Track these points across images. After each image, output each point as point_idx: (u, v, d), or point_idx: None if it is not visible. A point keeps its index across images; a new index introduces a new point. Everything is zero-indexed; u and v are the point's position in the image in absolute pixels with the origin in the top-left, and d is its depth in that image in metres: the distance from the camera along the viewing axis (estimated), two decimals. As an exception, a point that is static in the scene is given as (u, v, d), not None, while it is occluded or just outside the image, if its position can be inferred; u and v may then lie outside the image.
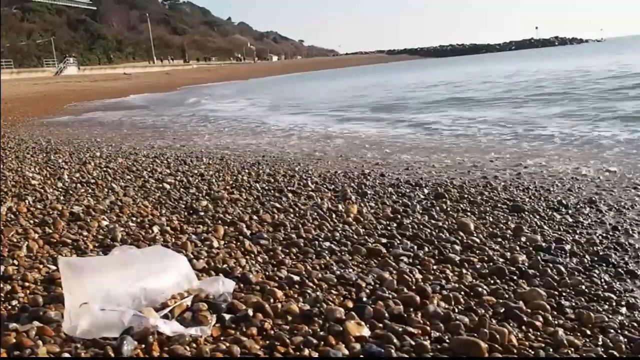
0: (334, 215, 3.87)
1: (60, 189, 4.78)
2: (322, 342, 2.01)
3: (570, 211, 3.89)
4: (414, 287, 2.53)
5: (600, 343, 2.04)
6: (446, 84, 23.67)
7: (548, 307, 2.32)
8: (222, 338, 2.05)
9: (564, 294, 2.49)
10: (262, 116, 15.08)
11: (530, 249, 3.10)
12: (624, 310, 2.31)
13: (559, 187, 4.69)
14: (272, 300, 2.36)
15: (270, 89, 33.21)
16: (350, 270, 2.80)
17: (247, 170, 5.78)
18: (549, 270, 2.73)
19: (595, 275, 2.69)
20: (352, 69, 63.22)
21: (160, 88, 28.77)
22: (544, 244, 3.15)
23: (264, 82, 42.83)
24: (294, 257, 3.03)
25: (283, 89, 33.30)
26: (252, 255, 3.03)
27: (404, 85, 25.44)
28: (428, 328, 2.13)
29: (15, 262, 2.78)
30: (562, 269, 2.76)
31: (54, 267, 2.69)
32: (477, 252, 3.07)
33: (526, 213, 3.86)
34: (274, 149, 7.83)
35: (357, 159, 6.75)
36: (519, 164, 5.99)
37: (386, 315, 2.23)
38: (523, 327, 2.17)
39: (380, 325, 2.16)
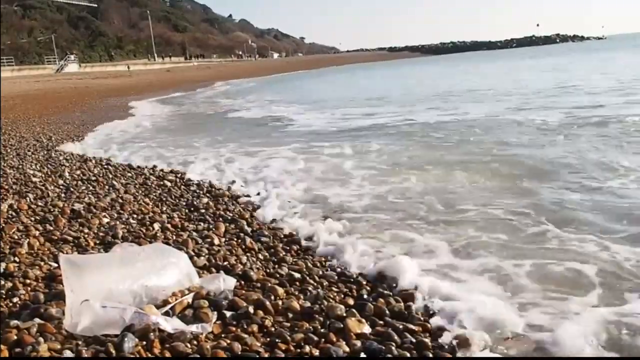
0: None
1: (61, 187, 4.78)
2: (323, 339, 2.02)
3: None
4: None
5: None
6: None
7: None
8: (223, 335, 2.05)
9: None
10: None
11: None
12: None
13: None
14: (272, 298, 2.37)
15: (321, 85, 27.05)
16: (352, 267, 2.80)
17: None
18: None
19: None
20: (364, 65, 60.90)
21: (164, 86, 28.67)
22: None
23: (284, 78, 40.25)
24: (295, 255, 3.03)
25: (336, 82, 29.08)
26: (253, 253, 3.03)
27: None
28: (429, 325, 2.14)
29: (17, 259, 2.79)
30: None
31: (55, 265, 2.70)
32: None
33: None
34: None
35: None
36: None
37: (387, 312, 2.24)
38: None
39: (381, 322, 2.16)
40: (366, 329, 2.10)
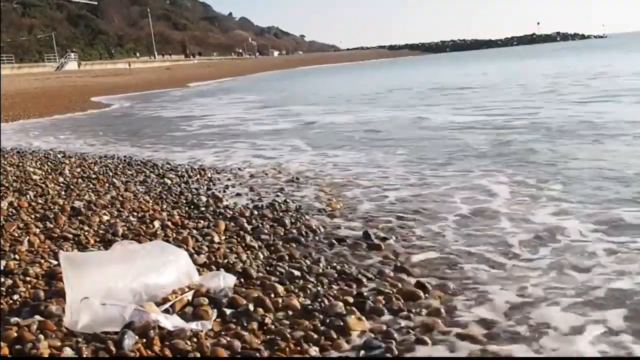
0: (334, 211, 3.87)
1: (61, 184, 4.78)
2: (323, 337, 2.02)
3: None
4: (414, 282, 2.53)
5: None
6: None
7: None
8: (222, 333, 2.05)
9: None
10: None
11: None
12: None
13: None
14: (272, 295, 2.36)
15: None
16: (351, 265, 2.80)
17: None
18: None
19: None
20: (363, 64, 60.46)
21: (162, 84, 28.63)
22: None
23: (279, 76, 39.96)
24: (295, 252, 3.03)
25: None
26: (253, 250, 3.03)
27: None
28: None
29: (17, 256, 2.79)
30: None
31: (55, 262, 2.69)
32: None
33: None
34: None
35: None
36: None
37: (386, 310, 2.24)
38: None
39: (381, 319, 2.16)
40: (366, 326, 2.10)
